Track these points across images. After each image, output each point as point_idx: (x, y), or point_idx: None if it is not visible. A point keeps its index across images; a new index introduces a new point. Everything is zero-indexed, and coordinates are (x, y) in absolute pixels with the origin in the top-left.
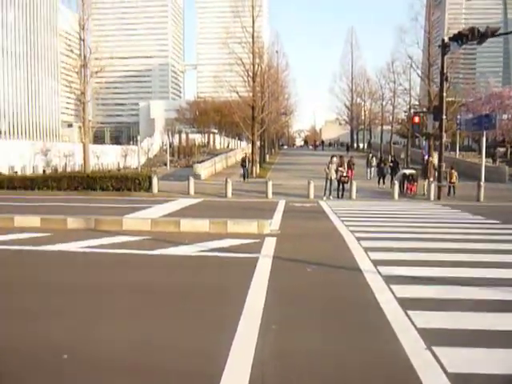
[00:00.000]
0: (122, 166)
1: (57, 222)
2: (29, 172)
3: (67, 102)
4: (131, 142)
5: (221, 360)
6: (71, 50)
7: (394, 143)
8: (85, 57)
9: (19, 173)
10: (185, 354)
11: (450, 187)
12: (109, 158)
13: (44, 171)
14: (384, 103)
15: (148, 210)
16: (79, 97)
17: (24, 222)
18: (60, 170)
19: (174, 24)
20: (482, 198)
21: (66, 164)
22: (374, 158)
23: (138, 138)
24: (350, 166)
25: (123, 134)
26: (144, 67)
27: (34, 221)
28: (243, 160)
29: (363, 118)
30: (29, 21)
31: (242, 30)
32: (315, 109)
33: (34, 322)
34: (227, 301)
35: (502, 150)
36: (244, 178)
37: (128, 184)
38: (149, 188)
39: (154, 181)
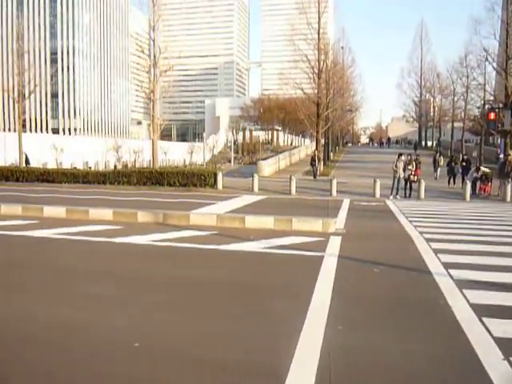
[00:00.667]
0: (187, 163)
1: (128, 215)
2: (101, 167)
3: (136, 101)
4: (197, 139)
5: (287, 356)
6: (142, 51)
7: (466, 141)
8: (154, 56)
9: (93, 168)
10: (250, 351)
11: None
12: (175, 154)
13: (115, 167)
14: (455, 99)
15: (213, 205)
16: (149, 95)
17: (98, 214)
18: (130, 165)
19: (240, 22)
20: None
21: (135, 160)
22: (442, 157)
23: (204, 134)
24: (417, 164)
25: (189, 131)
26: (210, 65)
27: (107, 214)
28: (312, 159)
29: (432, 114)
30: (102, 24)
31: (308, 27)
32: (382, 105)
33: (110, 309)
34: (292, 299)
35: None
36: (314, 177)
37: (194, 180)
38: (214, 184)
39: (219, 177)
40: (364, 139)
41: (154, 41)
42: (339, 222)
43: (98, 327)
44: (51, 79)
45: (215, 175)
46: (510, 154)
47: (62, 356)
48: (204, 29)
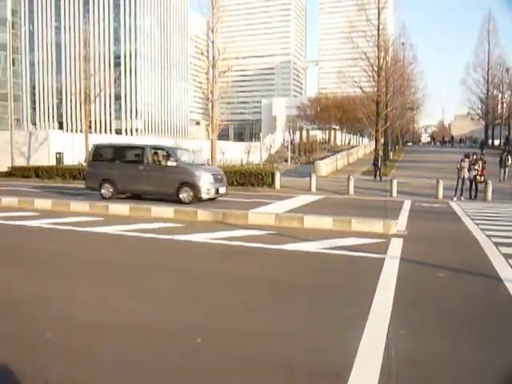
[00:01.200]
0: (245, 162)
1: (188, 213)
2: None
3: (195, 102)
4: (253, 139)
5: (349, 358)
6: (201, 53)
7: None
8: (213, 58)
9: None
10: (312, 352)
11: None
12: (233, 154)
13: None
14: None
15: (271, 205)
16: (207, 96)
17: (160, 212)
18: None
19: (297, 22)
20: None
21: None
22: (510, 157)
23: (261, 134)
24: (483, 164)
25: (246, 131)
26: (267, 65)
27: (168, 212)
28: (376, 159)
29: (500, 111)
30: (163, 27)
31: (367, 23)
32: (444, 103)
33: (171, 305)
34: (353, 301)
35: None
36: (375, 177)
37: (251, 179)
38: (271, 184)
39: (277, 177)
40: (425, 138)
41: (212, 42)
42: (400, 223)
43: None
44: (115, 82)
45: (273, 174)
46: None
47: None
48: (261, 29)
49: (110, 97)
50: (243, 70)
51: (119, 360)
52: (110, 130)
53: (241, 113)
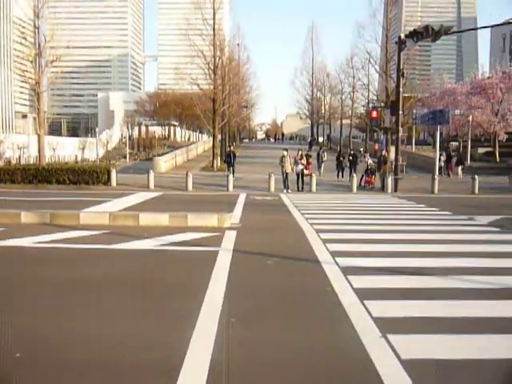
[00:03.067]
0: (79, 159)
1: (10, 216)
2: None
3: (21, 92)
4: (89, 134)
5: (180, 352)
6: (24, 38)
7: (353, 137)
8: (39, 45)
9: None
10: (145, 348)
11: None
12: (66, 150)
13: None
14: (343, 98)
15: (106, 203)
16: (33, 87)
17: None
18: (14, 162)
19: (134, 14)
20: (436, 191)
21: (19, 156)
22: (326, 153)
23: (97, 129)
24: (308, 159)
25: (81, 126)
26: (103, 57)
27: None
28: (228, 155)
29: (323, 112)
30: None
31: (203, 22)
32: (277, 102)
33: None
34: (187, 295)
35: (454, 144)
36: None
37: (86, 177)
38: (107, 181)
39: (113, 174)
40: (260, 135)
41: (38, 28)
42: (235, 216)
43: None
44: None
45: (108, 172)
46: (388, 150)
47: None
48: (97, 19)
49: None
50: (77, 61)
51: None
52: None
53: (75, 106)
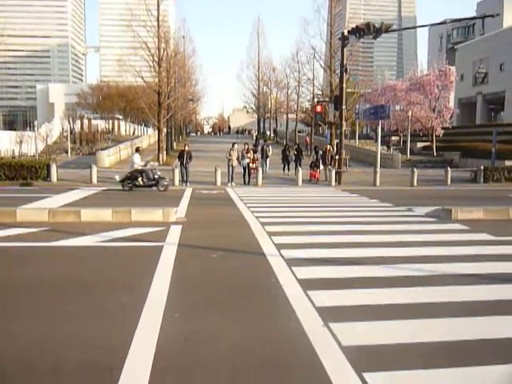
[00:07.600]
0: (16, 154)
1: None
2: None
3: None
4: (28, 128)
5: (123, 351)
6: None
7: (299, 131)
8: None
9: None
10: (86, 348)
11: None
12: (1, 144)
13: None
14: (289, 92)
15: (46, 199)
16: None
17: None
18: None
19: (74, 1)
20: (378, 183)
21: None
22: (270, 148)
23: (35, 123)
24: (254, 153)
25: (18, 119)
26: (41, 47)
27: None
28: (180, 154)
29: (270, 106)
30: None
31: (147, 13)
32: (223, 96)
33: None
34: (130, 291)
35: (395, 138)
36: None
37: (23, 172)
38: (47, 177)
39: (53, 169)
40: (207, 129)
41: None
42: (180, 211)
43: None
44: None
45: (48, 167)
46: (331, 144)
47: None
48: (33, 6)
49: None
50: (12, 51)
51: None
52: None
53: (11, 98)
